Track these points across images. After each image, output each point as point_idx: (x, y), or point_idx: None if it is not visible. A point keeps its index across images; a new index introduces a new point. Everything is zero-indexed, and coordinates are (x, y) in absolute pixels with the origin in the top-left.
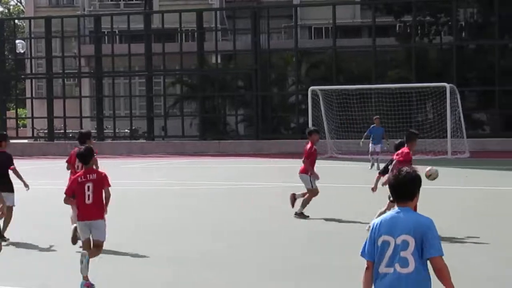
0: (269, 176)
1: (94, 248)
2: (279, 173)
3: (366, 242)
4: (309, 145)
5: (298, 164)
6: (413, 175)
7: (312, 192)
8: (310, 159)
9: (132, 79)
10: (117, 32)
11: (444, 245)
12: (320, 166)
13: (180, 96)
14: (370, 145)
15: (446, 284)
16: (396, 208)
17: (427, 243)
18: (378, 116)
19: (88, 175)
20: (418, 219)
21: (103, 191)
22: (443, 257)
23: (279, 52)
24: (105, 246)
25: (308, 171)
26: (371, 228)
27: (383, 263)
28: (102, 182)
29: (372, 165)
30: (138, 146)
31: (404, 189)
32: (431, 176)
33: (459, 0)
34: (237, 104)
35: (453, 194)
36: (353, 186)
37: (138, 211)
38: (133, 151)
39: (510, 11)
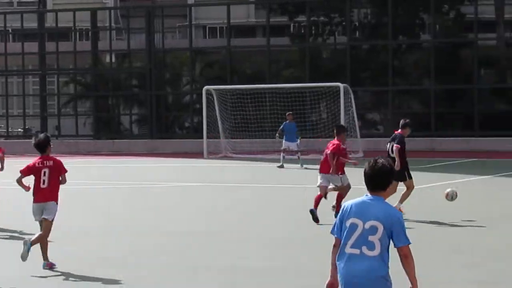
0: (163, 175)
1: (44, 229)
2: (173, 172)
3: (336, 222)
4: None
5: (193, 163)
6: (388, 167)
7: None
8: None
9: (26, 78)
10: (10, 30)
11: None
12: (217, 166)
13: (74, 95)
14: (283, 141)
15: (410, 272)
16: (368, 195)
17: (397, 233)
18: (290, 112)
19: (45, 162)
20: (389, 209)
21: (60, 177)
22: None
23: (174, 51)
24: None
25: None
26: (342, 209)
27: (349, 243)
28: (59, 168)
29: (282, 165)
30: (32, 145)
31: (379, 180)
32: (451, 199)
33: (352, 0)
34: (131, 103)
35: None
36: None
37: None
38: (28, 151)
39: (403, 12)
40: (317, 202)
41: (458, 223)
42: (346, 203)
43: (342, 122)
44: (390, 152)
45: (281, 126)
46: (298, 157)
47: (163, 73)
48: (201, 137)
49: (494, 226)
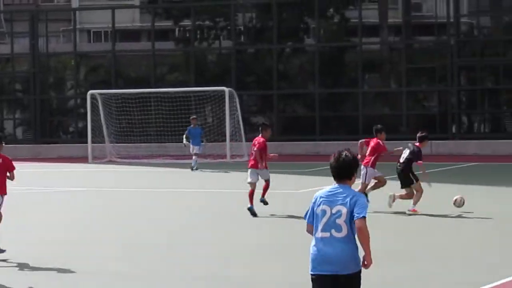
0: (47, 181)
1: None
2: (56, 177)
3: (308, 210)
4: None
5: (77, 168)
6: (352, 158)
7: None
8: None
9: None
10: None
11: None
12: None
13: None
14: (191, 146)
15: (364, 244)
16: (336, 185)
17: (356, 208)
18: (195, 117)
19: None
20: (353, 194)
21: (8, 173)
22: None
23: (58, 55)
24: None
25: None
26: (314, 198)
27: (319, 229)
28: (8, 166)
29: (194, 167)
30: None
31: (344, 170)
32: (459, 206)
33: (237, 5)
34: (14, 107)
35: (236, 196)
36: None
37: None
38: None
39: (287, 16)
40: (251, 198)
41: None
42: (317, 193)
43: (227, 126)
44: (400, 160)
45: (186, 131)
46: (196, 160)
47: (47, 77)
48: (86, 142)
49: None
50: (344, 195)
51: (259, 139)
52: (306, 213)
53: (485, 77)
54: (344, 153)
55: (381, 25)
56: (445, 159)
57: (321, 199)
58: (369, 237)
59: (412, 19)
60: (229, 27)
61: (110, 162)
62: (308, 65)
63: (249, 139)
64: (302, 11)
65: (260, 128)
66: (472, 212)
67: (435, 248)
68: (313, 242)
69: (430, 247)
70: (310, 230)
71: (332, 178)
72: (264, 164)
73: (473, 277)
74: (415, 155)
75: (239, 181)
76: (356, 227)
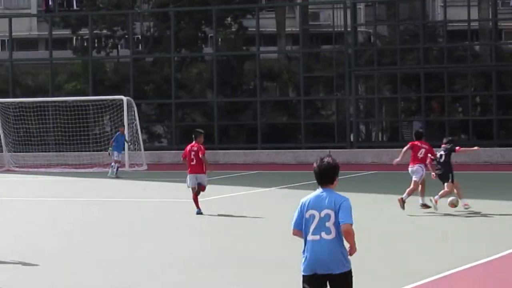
0: None
1: None
2: None
3: (296, 216)
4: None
5: None
6: (332, 164)
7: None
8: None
9: None
10: None
11: None
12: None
13: None
14: (115, 153)
15: (350, 240)
16: (320, 190)
17: (341, 213)
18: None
19: None
20: (337, 197)
21: None
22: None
23: None
24: None
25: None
26: (301, 204)
27: (310, 232)
28: None
29: (115, 172)
30: None
31: (326, 175)
32: (454, 205)
33: (135, 13)
34: None
35: (133, 205)
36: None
37: None
38: None
39: (185, 25)
40: (196, 202)
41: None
42: (304, 199)
43: (126, 135)
44: (440, 159)
45: (114, 137)
46: (116, 166)
47: None
48: None
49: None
50: (330, 199)
51: (197, 145)
52: (294, 220)
53: (382, 86)
54: (326, 159)
55: (279, 34)
56: (343, 168)
57: (309, 204)
58: (354, 236)
59: (310, 28)
60: (126, 36)
61: (8, 171)
62: (206, 74)
63: (148, 148)
64: (200, 20)
65: (193, 135)
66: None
67: None
68: (304, 246)
69: None
70: (297, 234)
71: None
72: (204, 169)
73: None
74: (453, 148)
75: (136, 190)
76: (343, 231)
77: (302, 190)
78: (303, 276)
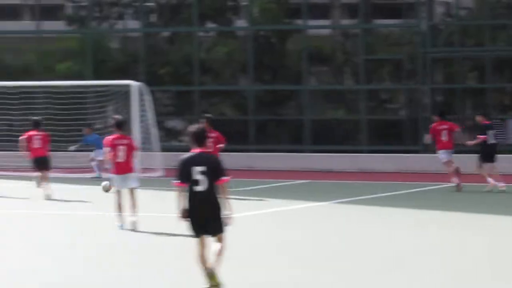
0: None
1: None
2: None
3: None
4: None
5: None
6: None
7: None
8: None
9: None
10: None
11: None
12: None
13: None
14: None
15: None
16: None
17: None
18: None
19: None
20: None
21: None
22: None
23: None
24: None
25: None
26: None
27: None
28: None
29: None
30: None
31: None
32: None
33: None
34: None
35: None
36: None
37: None
38: None
39: None
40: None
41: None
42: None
43: (135, 132)
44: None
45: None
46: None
47: None
48: None
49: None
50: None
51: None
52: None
53: (466, 73)
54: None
55: (332, 4)
56: (413, 178)
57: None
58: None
59: None
60: (136, 4)
61: None
62: (238, 54)
63: (164, 149)
64: None
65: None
66: None
67: None
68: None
69: None
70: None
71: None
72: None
73: None
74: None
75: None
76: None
77: (366, 205)
78: None
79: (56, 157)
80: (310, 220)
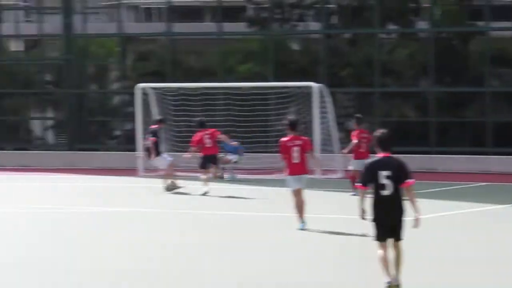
0: (84, 198)
1: None
2: (97, 195)
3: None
4: None
5: (123, 182)
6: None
7: None
8: None
9: None
10: None
11: None
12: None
13: None
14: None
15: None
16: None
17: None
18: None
19: None
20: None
21: None
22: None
23: (99, 38)
24: None
25: None
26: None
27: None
28: None
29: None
30: None
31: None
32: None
33: None
34: (44, 104)
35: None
36: None
37: None
38: None
39: None
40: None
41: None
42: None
43: (316, 133)
44: None
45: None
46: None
47: (85, 66)
48: (135, 149)
49: None
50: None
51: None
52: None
53: None
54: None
55: None
56: None
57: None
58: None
59: None
60: (317, 5)
61: (168, 176)
62: (420, 56)
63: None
64: None
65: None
66: None
67: None
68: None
69: None
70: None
71: None
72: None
73: None
74: None
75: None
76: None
77: None
78: None
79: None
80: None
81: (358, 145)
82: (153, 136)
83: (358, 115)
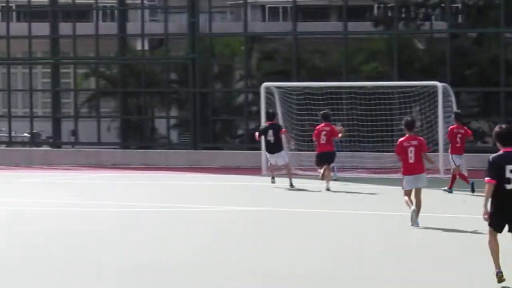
0: (210, 197)
1: None
2: (222, 193)
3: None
4: None
5: (247, 181)
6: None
7: None
8: None
9: (34, 68)
10: (13, 7)
11: None
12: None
13: (96, 92)
14: None
15: None
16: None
17: None
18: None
19: None
20: None
21: None
22: None
23: (224, 37)
24: None
25: None
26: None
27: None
28: None
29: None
30: (41, 155)
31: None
32: None
33: None
34: (169, 103)
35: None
36: None
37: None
38: (34, 161)
39: None
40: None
41: None
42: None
43: (440, 133)
44: None
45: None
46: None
47: (210, 65)
48: (259, 148)
49: None
50: None
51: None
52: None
53: None
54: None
55: None
56: None
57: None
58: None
59: None
60: (443, 5)
61: (292, 175)
62: None
63: (468, 150)
64: None
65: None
66: None
67: None
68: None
69: None
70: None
71: None
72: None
73: None
74: None
75: (454, 204)
76: None
77: None
78: None
79: (361, 157)
80: None
81: (454, 141)
82: (264, 132)
83: (457, 110)
